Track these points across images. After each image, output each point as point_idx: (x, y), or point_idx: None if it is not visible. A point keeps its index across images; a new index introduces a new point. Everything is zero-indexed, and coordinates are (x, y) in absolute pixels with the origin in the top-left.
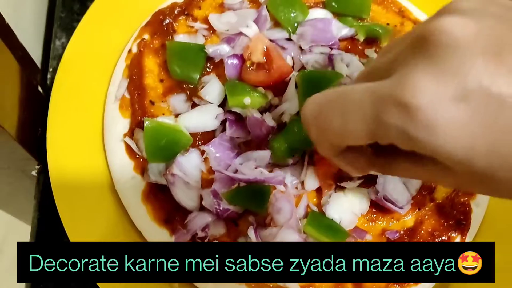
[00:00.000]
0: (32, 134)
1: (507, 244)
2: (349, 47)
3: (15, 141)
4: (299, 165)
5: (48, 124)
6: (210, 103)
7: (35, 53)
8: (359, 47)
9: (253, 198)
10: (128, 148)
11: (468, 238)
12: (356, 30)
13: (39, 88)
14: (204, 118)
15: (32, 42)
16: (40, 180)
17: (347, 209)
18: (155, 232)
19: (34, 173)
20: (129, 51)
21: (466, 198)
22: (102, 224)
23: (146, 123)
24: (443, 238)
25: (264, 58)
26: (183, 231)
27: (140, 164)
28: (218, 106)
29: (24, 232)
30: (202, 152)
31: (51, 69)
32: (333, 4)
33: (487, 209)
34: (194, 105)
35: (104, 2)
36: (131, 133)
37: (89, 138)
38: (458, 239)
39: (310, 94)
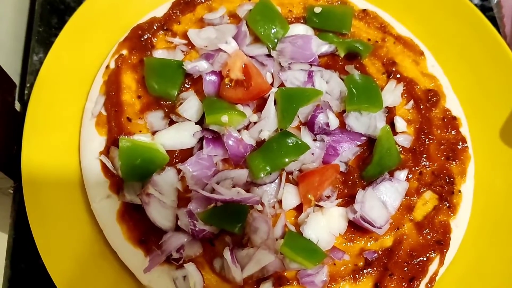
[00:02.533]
0: (7, 152)
1: (487, 267)
2: (330, 63)
3: None
4: (277, 183)
5: (23, 142)
6: (188, 120)
7: (14, 68)
8: (340, 63)
9: (230, 218)
10: (104, 166)
11: (447, 259)
12: (337, 47)
13: (18, 104)
14: (182, 135)
15: (10, 56)
16: (16, 199)
17: (325, 228)
18: (130, 253)
19: (10, 191)
20: (107, 67)
21: (446, 218)
22: (77, 244)
23: (121, 142)
24: (422, 258)
25: (243, 75)
26: (158, 252)
27: (116, 183)
28: (196, 123)
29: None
30: (179, 171)
31: (28, 85)
32: (314, 19)
33: (467, 229)
34: (171, 122)
35: (82, 17)
36: (107, 151)
37: (65, 155)
38: (437, 260)
39: (289, 111)
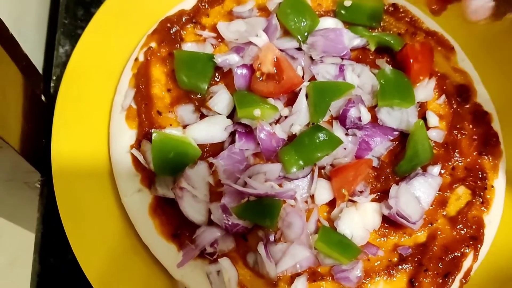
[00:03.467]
0: (36, 145)
1: None
2: (360, 57)
3: (19, 154)
4: (309, 178)
5: (53, 136)
6: (218, 114)
7: (38, 61)
8: (370, 57)
9: (263, 213)
10: (135, 160)
11: (481, 254)
12: (368, 40)
13: (42, 97)
14: (213, 129)
15: (34, 49)
16: (44, 192)
17: (359, 224)
18: (163, 247)
19: (37, 185)
20: (136, 59)
21: (479, 213)
22: (108, 239)
23: (154, 135)
24: (456, 254)
25: (274, 68)
26: (191, 246)
27: (147, 177)
28: (227, 117)
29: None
30: (211, 165)
31: (54, 77)
32: (343, 13)
33: (500, 225)
34: (202, 116)
35: (109, 9)
36: (138, 145)
37: (94, 150)
38: (471, 255)
39: (321, 105)
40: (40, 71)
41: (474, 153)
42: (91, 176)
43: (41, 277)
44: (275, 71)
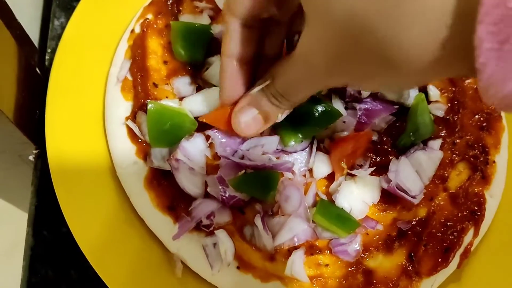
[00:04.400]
0: (30, 116)
1: None
2: None
3: (13, 123)
4: (307, 151)
5: (47, 106)
6: (214, 86)
7: (33, 34)
8: None
9: (260, 186)
10: (130, 132)
11: (482, 230)
12: None
13: (37, 69)
14: (210, 101)
15: (29, 22)
16: (37, 165)
17: (358, 198)
18: (158, 220)
19: (31, 158)
20: (132, 31)
21: (480, 188)
22: (102, 212)
23: (150, 105)
24: (457, 229)
25: None
26: (187, 218)
27: (143, 149)
28: None
29: (20, 218)
30: (207, 137)
31: (49, 50)
32: None
33: (501, 200)
34: (199, 88)
35: None
36: (133, 116)
37: (89, 121)
38: (471, 231)
39: None
40: (36, 44)
41: (476, 128)
42: (86, 148)
43: (34, 250)
44: None
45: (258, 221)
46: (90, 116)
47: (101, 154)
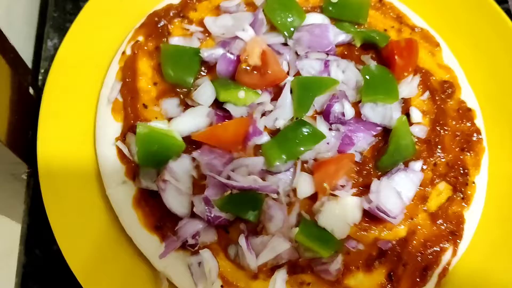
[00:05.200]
0: (22, 137)
1: (500, 258)
2: (346, 52)
3: (5, 146)
4: (291, 172)
5: (39, 127)
6: (201, 105)
7: (27, 54)
8: (356, 53)
9: (245, 206)
10: (120, 152)
11: (460, 250)
12: (353, 36)
13: (30, 90)
14: (196, 120)
15: (23, 42)
16: (30, 184)
17: (340, 218)
18: (146, 239)
19: (24, 176)
20: (123, 53)
21: (459, 209)
22: (92, 230)
23: (139, 127)
24: (436, 249)
25: (261, 61)
26: (174, 238)
27: (132, 169)
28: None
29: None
30: (194, 158)
31: (42, 70)
32: (330, 9)
33: (480, 221)
34: (187, 109)
35: (98, 2)
36: (123, 137)
37: (80, 141)
38: (450, 250)
39: (305, 100)
40: (30, 64)
41: (457, 149)
42: (77, 168)
43: (27, 268)
44: (261, 64)
45: (242, 240)
46: (81, 136)
47: (92, 174)
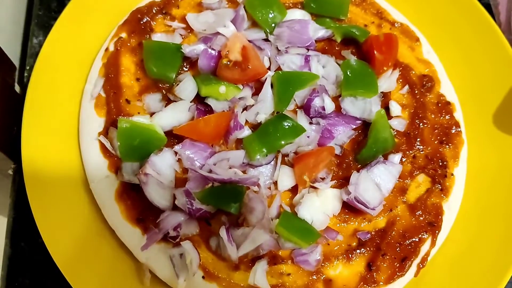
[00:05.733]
0: (7, 133)
1: (478, 248)
2: (326, 48)
3: None
4: (272, 165)
5: (23, 123)
6: (183, 100)
7: (14, 51)
8: (336, 48)
9: (226, 198)
10: (103, 146)
11: (440, 240)
12: (333, 32)
13: (17, 86)
14: (177, 114)
15: (10, 40)
16: (16, 179)
17: (319, 209)
18: (128, 231)
19: (10, 171)
20: (106, 49)
21: (438, 200)
22: (76, 223)
23: (120, 122)
24: (414, 239)
25: (241, 57)
26: (155, 230)
27: (114, 163)
28: (191, 102)
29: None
30: (176, 152)
31: (28, 67)
32: (312, 5)
33: (459, 212)
34: (169, 103)
35: (81, 0)
36: (105, 132)
37: (64, 137)
38: (428, 241)
39: (285, 95)
40: (17, 61)
41: (436, 142)
42: (61, 163)
43: (12, 261)
44: (242, 59)
45: (223, 232)
46: (65, 131)
47: (75, 168)
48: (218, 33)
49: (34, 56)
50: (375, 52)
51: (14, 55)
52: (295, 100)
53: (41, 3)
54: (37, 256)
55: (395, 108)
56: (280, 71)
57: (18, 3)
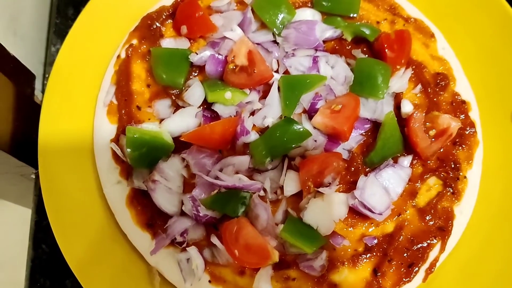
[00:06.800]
0: (26, 141)
1: (490, 254)
2: (337, 47)
3: (7, 153)
4: (279, 169)
5: (40, 131)
6: (191, 105)
7: (37, 59)
8: (347, 47)
9: (232, 204)
10: (114, 153)
11: (450, 245)
12: (343, 31)
13: (40, 94)
14: (186, 120)
15: (33, 48)
16: (37, 185)
17: (325, 215)
18: (138, 236)
19: (32, 176)
20: (118, 56)
21: (449, 204)
22: (90, 228)
23: (128, 131)
24: (423, 245)
25: (247, 61)
26: (163, 235)
27: (126, 169)
28: (200, 107)
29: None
30: (184, 158)
31: (47, 75)
32: (322, 3)
33: (472, 216)
34: (178, 109)
35: (94, 7)
36: (117, 139)
37: (79, 144)
38: (438, 246)
39: (291, 99)
40: (41, 69)
41: (448, 143)
42: (76, 168)
43: (34, 262)
44: (248, 64)
45: (214, 239)
46: (80, 138)
47: (90, 174)
48: (225, 37)
49: (52, 64)
50: (387, 51)
51: (38, 63)
52: (302, 104)
53: (58, 11)
54: (57, 258)
55: (407, 107)
56: (285, 75)
57: (40, 11)
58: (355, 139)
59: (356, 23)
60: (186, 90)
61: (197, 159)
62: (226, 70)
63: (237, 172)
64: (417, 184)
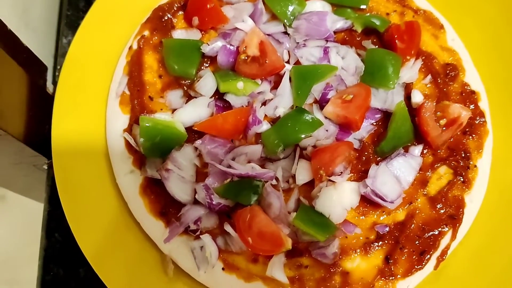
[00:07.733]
0: (39, 131)
1: (501, 241)
2: (347, 38)
3: (21, 142)
4: (291, 158)
5: (53, 122)
6: (203, 96)
7: (48, 51)
8: (357, 39)
9: (245, 192)
10: (128, 143)
11: (461, 233)
12: (353, 22)
13: (52, 86)
14: (198, 110)
15: (44, 40)
16: (50, 174)
17: (337, 203)
18: (152, 224)
19: (45, 166)
20: (130, 47)
21: (459, 193)
22: (104, 216)
23: (142, 121)
24: (434, 232)
25: (259, 52)
26: (176, 223)
27: (139, 159)
28: (212, 97)
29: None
30: (196, 147)
31: (59, 67)
32: None
33: (482, 205)
34: (190, 99)
35: None
36: (130, 129)
37: (92, 134)
38: (449, 234)
39: (303, 89)
40: (51, 61)
41: (458, 133)
42: (89, 159)
43: (47, 251)
44: (259, 54)
45: (228, 227)
46: (93, 128)
47: (103, 164)
48: (236, 29)
49: (64, 56)
50: (397, 42)
51: (49, 54)
52: (313, 94)
53: (69, 3)
54: (70, 247)
55: (417, 97)
56: (297, 65)
57: (51, 3)
58: (366, 128)
59: (366, 14)
60: (198, 80)
61: (209, 148)
62: (238, 60)
63: (249, 161)
64: (428, 173)
